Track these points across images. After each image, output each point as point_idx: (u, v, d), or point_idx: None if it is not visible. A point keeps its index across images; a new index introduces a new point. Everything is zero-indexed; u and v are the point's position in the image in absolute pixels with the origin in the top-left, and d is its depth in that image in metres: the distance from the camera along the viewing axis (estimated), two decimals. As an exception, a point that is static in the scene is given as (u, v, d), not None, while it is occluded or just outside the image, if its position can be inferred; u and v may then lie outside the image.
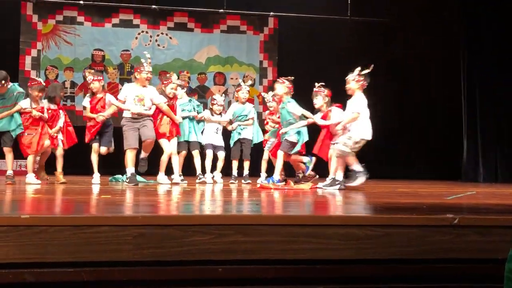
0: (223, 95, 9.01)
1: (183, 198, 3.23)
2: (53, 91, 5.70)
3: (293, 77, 5.64)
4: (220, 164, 6.37)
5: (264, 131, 6.71)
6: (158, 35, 9.13)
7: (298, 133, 5.27)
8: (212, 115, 6.38)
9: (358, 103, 4.94)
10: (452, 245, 2.13)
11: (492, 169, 8.09)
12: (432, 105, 9.40)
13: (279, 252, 2.07)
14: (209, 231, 2.04)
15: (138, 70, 5.57)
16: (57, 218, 1.92)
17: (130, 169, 5.29)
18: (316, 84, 5.53)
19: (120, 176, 5.97)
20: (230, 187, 5.12)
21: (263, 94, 6.88)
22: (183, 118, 5.94)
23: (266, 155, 6.42)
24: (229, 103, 9.03)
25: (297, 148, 5.24)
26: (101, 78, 6.29)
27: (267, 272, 2.00)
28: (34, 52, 8.79)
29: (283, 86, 5.44)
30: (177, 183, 5.50)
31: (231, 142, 6.51)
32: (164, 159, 5.59)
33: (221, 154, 6.34)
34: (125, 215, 2.03)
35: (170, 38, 9.15)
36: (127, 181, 5.29)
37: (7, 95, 5.36)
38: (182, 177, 5.85)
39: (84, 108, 6.14)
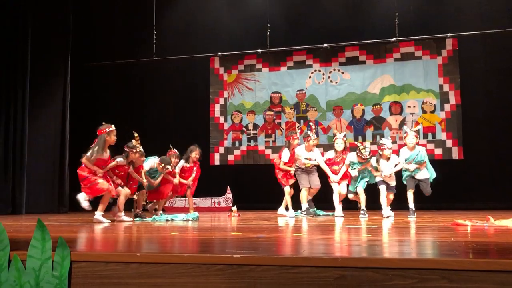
0: (399, 127, 8.70)
1: (374, 238, 3.16)
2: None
3: None
4: (388, 200, 6.36)
5: None
6: (330, 72, 9.36)
7: None
8: (381, 158, 6.41)
9: None
10: None
11: None
12: None
13: (492, 301, 1.86)
14: (411, 275, 1.95)
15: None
16: (264, 258, 2.06)
17: (304, 204, 6.53)
18: None
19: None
20: (419, 224, 4.83)
21: None
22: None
23: None
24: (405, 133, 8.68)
25: None
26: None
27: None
28: (221, 100, 9.84)
29: None
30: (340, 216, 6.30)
31: (404, 179, 6.41)
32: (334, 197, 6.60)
33: (391, 196, 6.37)
34: (326, 256, 2.07)
35: (342, 73, 9.29)
36: (304, 212, 6.49)
37: None
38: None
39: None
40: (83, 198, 5.39)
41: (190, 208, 6.86)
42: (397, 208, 6.57)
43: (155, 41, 8.85)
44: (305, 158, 6.64)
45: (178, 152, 6.79)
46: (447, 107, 8.65)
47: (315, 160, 6.65)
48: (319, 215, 6.63)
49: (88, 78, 9.85)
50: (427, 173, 6.36)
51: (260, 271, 2.04)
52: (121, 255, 2.24)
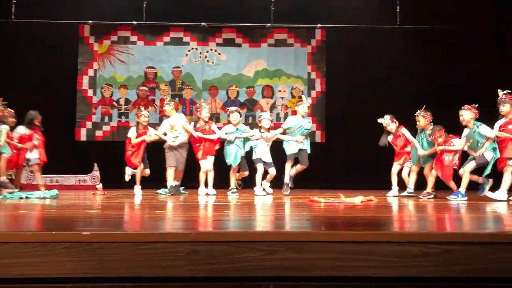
0: (270, 110, 9.09)
1: (234, 214, 3.26)
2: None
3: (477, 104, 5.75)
4: (269, 177, 6.71)
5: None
6: (207, 51, 9.34)
7: (494, 150, 5.47)
8: (260, 131, 6.78)
9: None
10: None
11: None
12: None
13: (331, 269, 2.04)
14: (260, 248, 2.05)
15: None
16: (116, 235, 2.00)
17: (169, 182, 6.47)
18: (501, 92, 5.57)
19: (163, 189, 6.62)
20: (280, 201, 5.12)
21: (379, 120, 6.55)
22: (230, 142, 6.63)
23: (406, 170, 6.49)
24: (277, 115, 9.10)
25: (490, 166, 5.48)
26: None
27: (319, 289, 1.98)
28: (91, 72, 9.24)
29: (470, 112, 5.65)
30: (212, 195, 6.33)
31: (288, 150, 6.71)
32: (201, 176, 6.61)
33: (272, 171, 6.68)
34: (178, 232, 2.09)
35: (219, 53, 9.34)
36: (169, 192, 6.32)
37: None
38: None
39: None
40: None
41: (39, 183, 6.48)
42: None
43: (15, 0, 7.93)
44: (170, 126, 6.59)
45: (14, 112, 6.40)
46: (313, 93, 9.23)
47: (181, 133, 6.59)
48: (184, 193, 6.61)
49: None
50: (308, 146, 6.79)
51: (112, 248, 1.97)
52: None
